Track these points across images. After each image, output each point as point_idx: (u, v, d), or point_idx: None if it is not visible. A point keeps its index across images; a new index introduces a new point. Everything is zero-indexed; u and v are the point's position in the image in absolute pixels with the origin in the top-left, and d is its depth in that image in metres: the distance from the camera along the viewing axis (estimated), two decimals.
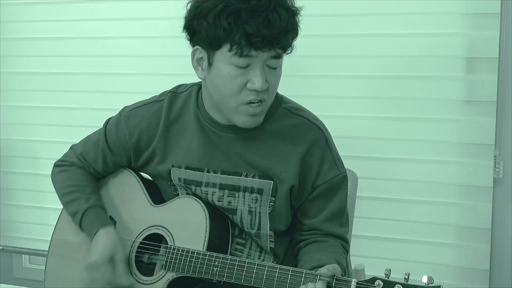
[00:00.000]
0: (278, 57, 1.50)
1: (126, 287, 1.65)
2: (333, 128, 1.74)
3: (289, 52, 1.52)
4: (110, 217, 1.75)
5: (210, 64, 1.52)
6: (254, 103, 1.51)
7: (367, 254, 2.38)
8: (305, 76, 2.41)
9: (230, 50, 1.46)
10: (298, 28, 1.52)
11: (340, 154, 1.69)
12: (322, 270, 1.41)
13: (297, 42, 1.53)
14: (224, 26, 1.44)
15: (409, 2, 2.27)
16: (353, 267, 1.94)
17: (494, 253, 2.32)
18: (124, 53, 2.64)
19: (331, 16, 2.36)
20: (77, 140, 1.86)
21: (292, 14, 1.49)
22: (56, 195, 1.82)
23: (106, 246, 1.64)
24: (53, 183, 1.83)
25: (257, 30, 1.42)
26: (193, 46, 1.56)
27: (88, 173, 1.80)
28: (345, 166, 1.70)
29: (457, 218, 2.33)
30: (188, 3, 1.54)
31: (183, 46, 1.59)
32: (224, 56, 1.48)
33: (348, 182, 1.73)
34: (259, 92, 1.50)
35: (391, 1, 2.29)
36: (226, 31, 1.44)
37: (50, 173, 1.85)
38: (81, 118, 2.71)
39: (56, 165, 1.85)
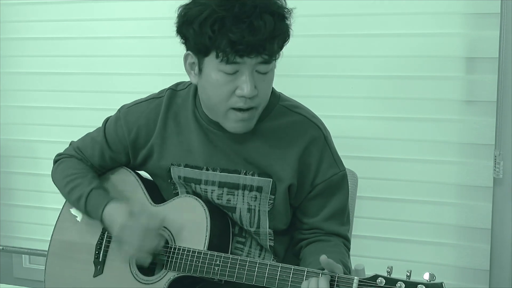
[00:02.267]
0: (267, 62, 1.49)
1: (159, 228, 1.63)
2: (333, 128, 1.73)
3: (276, 58, 1.51)
4: None
5: (200, 70, 1.53)
6: (242, 110, 1.51)
7: (367, 254, 2.37)
8: (305, 76, 2.41)
9: (217, 57, 1.46)
10: (289, 31, 1.50)
11: (340, 154, 1.68)
12: (322, 257, 1.38)
13: (297, 42, 1.53)
14: (208, 34, 1.44)
15: (409, 2, 2.27)
16: (353, 267, 1.94)
17: (494, 253, 2.32)
18: (124, 53, 2.65)
19: (331, 16, 2.36)
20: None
21: (279, 18, 1.47)
22: (56, 195, 1.83)
23: (122, 210, 1.64)
24: (53, 180, 1.83)
25: (241, 38, 1.42)
26: (186, 50, 1.56)
27: (86, 164, 1.80)
28: (345, 166, 1.70)
29: (457, 218, 2.33)
30: (179, 7, 1.54)
31: (183, 46, 1.59)
32: (213, 63, 1.48)
33: (349, 182, 1.73)
34: (248, 99, 1.49)
35: (391, 1, 2.29)
36: (211, 39, 1.44)
37: (50, 172, 1.85)
38: (81, 118, 2.71)
39: (54, 160, 1.86)
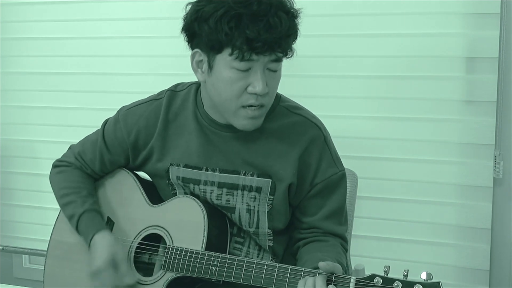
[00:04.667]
0: (279, 60, 1.50)
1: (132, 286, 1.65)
2: (333, 128, 1.73)
3: (289, 56, 1.52)
4: (108, 218, 1.75)
5: (210, 67, 1.52)
6: (253, 106, 1.51)
7: (367, 254, 2.37)
8: (305, 76, 2.41)
9: (231, 54, 1.46)
10: (298, 30, 1.52)
11: (340, 154, 1.69)
12: (321, 263, 1.40)
13: (297, 42, 1.53)
14: (225, 31, 1.44)
15: (409, 2, 2.27)
16: (353, 267, 1.94)
17: (494, 253, 2.32)
18: (124, 53, 2.65)
19: (331, 16, 2.36)
20: (77, 140, 1.86)
21: (292, 17, 1.49)
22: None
23: (105, 250, 1.64)
24: (51, 185, 1.83)
25: (258, 35, 1.42)
26: (192, 48, 1.56)
27: (85, 174, 1.80)
28: (345, 166, 1.70)
29: (457, 218, 2.33)
30: (188, 4, 1.53)
31: (183, 46, 1.59)
32: (225, 60, 1.48)
33: (348, 182, 1.72)
34: (259, 96, 1.50)
35: (391, 1, 2.29)
36: (228, 35, 1.44)
37: (49, 175, 1.85)
38: (81, 118, 2.71)
39: (54, 165, 1.85)
